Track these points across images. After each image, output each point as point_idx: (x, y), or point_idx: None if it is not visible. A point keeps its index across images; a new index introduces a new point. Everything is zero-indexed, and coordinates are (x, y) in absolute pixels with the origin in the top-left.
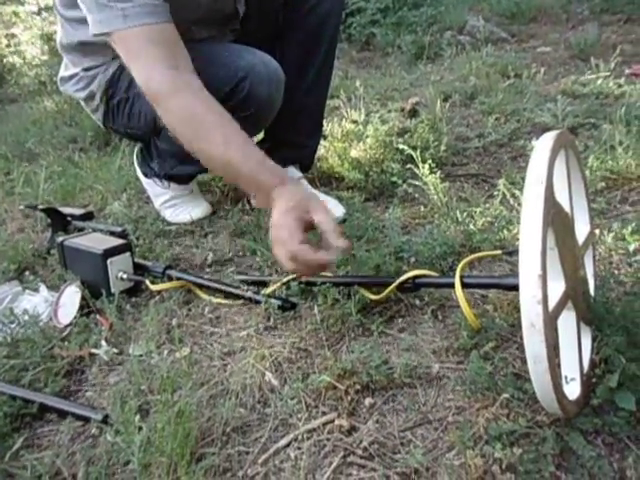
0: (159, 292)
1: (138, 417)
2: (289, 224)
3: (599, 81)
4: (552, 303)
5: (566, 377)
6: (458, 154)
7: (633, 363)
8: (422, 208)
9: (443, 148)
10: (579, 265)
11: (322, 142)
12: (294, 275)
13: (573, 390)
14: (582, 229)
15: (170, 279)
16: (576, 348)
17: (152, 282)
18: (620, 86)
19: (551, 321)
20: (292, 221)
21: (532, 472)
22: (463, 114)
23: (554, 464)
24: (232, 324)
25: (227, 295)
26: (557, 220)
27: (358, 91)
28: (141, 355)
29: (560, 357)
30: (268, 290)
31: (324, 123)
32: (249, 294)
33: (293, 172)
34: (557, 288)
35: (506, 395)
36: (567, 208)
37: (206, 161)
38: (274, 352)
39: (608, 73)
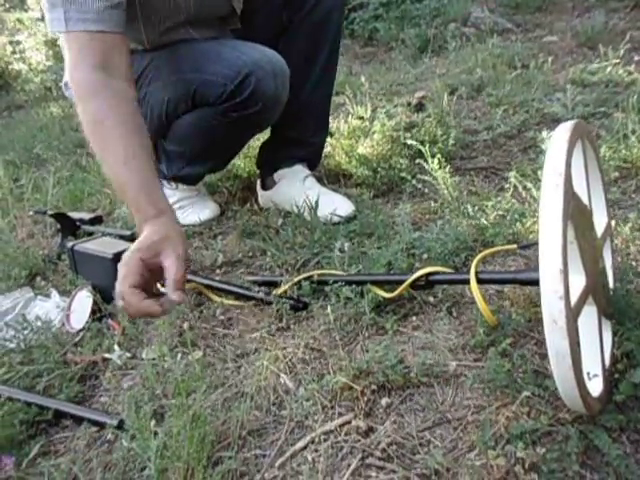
0: None
1: (153, 422)
2: (131, 263)
3: (608, 69)
4: (573, 298)
5: (588, 373)
6: (467, 147)
7: None
8: (432, 203)
9: (451, 142)
10: (598, 258)
11: (329, 139)
12: (306, 275)
13: (596, 386)
14: (600, 220)
15: None
16: (598, 343)
17: (162, 285)
18: (630, 73)
19: (573, 317)
20: (136, 260)
21: (556, 471)
22: (470, 107)
23: (578, 463)
24: (244, 326)
25: (238, 296)
26: (576, 213)
27: (363, 87)
28: (154, 359)
29: (582, 353)
30: (279, 290)
31: (330, 120)
32: (260, 295)
33: (302, 170)
34: (578, 283)
35: (527, 393)
36: (585, 200)
37: (106, 172)
38: (287, 353)
39: (617, 61)
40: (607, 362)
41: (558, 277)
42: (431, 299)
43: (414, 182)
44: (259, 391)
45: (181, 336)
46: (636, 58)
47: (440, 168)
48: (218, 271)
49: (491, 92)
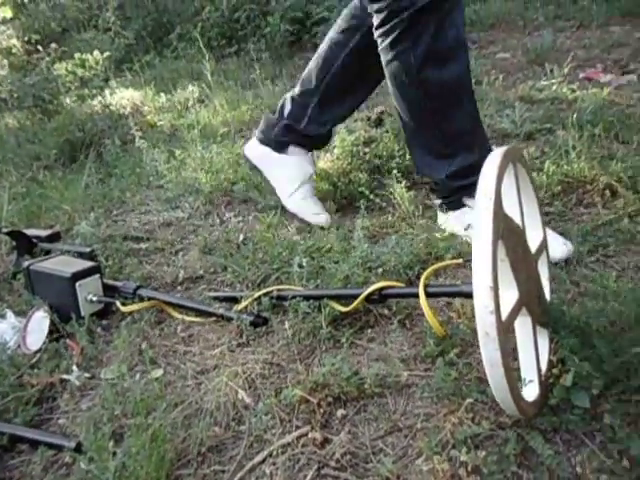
0: (130, 313)
1: (112, 443)
2: None
3: (554, 87)
4: (506, 311)
5: (524, 379)
6: None
7: (586, 362)
8: (390, 217)
9: (408, 157)
10: (532, 271)
11: None
12: (265, 290)
13: (531, 391)
14: (535, 236)
15: (141, 299)
16: (533, 351)
17: (123, 303)
18: (573, 91)
19: (504, 329)
20: None
21: (495, 473)
22: None
23: (516, 463)
24: (205, 342)
25: (199, 313)
26: (507, 232)
27: None
28: (113, 379)
29: (519, 360)
30: (240, 306)
31: None
32: (221, 311)
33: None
34: (510, 297)
35: (470, 400)
36: (518, 219)
37: None
38: (247, 369)
39: (561, 79)
40: (543, 368)
41: (488, 293)
42: (386, 311)
43: (371, 197)
44: (219, 407)
45: (141, 354)
46: (581, 75)
47: (397, 183)
48: (179, 288)
49: None
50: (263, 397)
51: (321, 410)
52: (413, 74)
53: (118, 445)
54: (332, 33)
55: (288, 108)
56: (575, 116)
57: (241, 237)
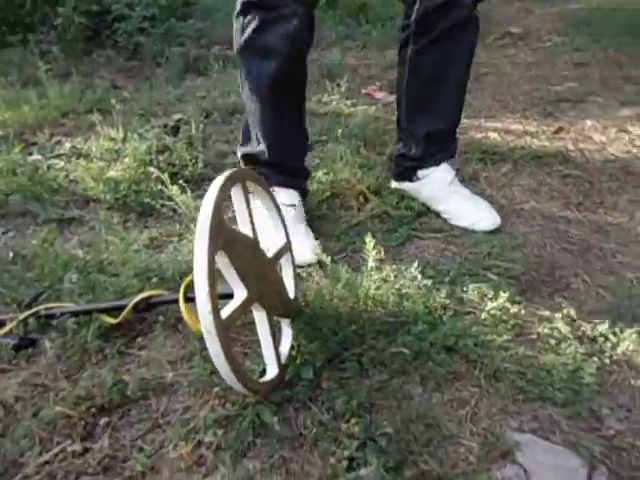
0: None
1: None
2: None
3: (334, 102)
4: (230, 310)
5: (265, 363)
6: (218, 170)
7: (314, 343)
8: (177, 226)
9: (201, 165)
10: (268, 272)
11: (78, 161)
12: (32, 310)
13: (269, 373)
14: (278, 241)
15: None
16: (270, 339)
17: None
18: (349, 107)
19: (224, 326)
20: None
21: (234, 445)
22: (223, 130)
23: (253, 435)
24: None
25: None
26: (231, 243)
27: (115, 108)
28: None
29: (261, 347)
30: (3, 330)
31: (80, 141)
32: None
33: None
34: (238, 297)
35: (219, 388)
36: (248, 231)
37: None
38: (4, 394)
39: (341, 95)
40: (285, 352)
41: (206, 298)
42: (160, 318)
43: (158, 206)
44: None
45: None
46: (363, 91)
47: (182, 193)
48: None
49: (240, 117)
50: (22, 420)
51: (82, 422)
52: (239, 51)
53: None
54: None
55: None
56: (344, 130)
57: (11, 254)
